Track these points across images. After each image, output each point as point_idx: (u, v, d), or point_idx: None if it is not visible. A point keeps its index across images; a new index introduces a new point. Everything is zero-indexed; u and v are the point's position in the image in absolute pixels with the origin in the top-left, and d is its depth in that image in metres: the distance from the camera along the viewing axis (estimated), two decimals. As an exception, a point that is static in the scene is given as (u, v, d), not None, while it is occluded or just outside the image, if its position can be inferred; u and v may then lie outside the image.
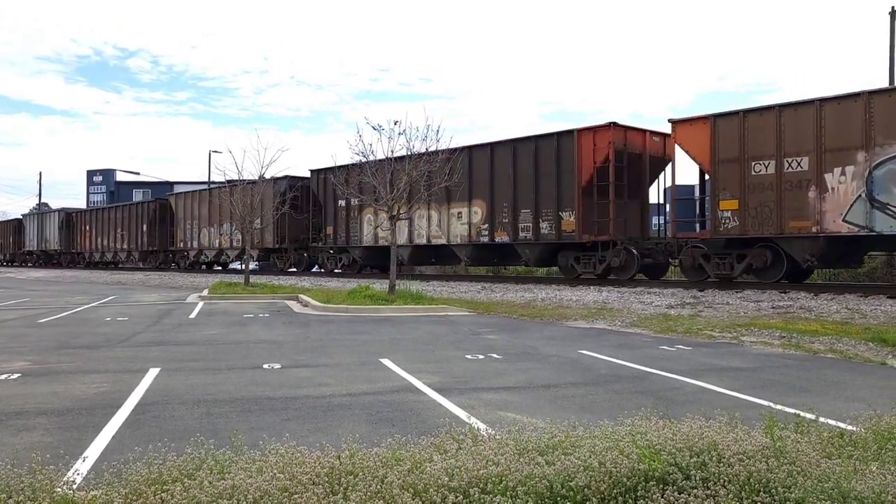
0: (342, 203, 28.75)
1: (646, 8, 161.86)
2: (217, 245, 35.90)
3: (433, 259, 28.26)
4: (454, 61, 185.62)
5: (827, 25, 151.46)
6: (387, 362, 8.34)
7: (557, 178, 21.28)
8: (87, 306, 17.10)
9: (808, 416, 4.61)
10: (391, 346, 9.92)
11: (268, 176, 25.07)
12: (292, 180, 31.04)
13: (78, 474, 3.80)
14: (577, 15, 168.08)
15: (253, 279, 24.79)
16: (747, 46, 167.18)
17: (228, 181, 28.86)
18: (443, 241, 24.96)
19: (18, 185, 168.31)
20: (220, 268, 38.94)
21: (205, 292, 20.94)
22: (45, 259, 55.25)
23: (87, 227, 48.75)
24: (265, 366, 8.16)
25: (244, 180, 25.50)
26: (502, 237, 23.02)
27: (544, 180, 21.69)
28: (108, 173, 74.66)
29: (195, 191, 33.55)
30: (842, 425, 4.76)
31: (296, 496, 3.08)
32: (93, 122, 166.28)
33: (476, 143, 24.19)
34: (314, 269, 32.99)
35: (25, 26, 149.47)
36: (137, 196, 63.40)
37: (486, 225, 23.41)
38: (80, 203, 79.70)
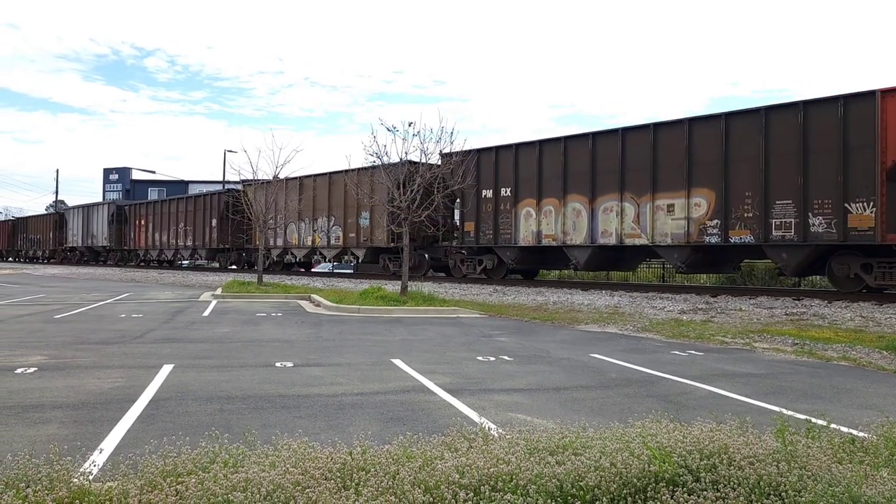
0: (487, 193, 23.32)
1: (659, 12, 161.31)
2: (309, 243, 30.62)
3: (623, 263, 21.96)
4: (467, 64, 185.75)
5: (840, 30, 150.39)
6: (398, 363, 8.38)
7: (842, 158, 15.54)
8: (101, 303, 17.26)
9: (820, 422, 4.60)
10: (403, 346, 9.96)
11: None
12: (414, 165, 26.08)
13: (94, 466, 3.86)
14: (591, 19, 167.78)
15: (267, 278, 24.89)
16: (760, 52, 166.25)
17: (347, 170, 26.28)
18: (643, 240, 19.16)
19: (36, 182, 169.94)
20: (301, 269, 34.54)
21: (218, 291, 21.07)
22: (91, 256, 50.92)
23: (142, 222, 43.92)
24: (277, 364, 8.21)
25: (361, 168, 23.79)
26: (742, 235, 17.30)
27: (818, 159, 16.02)
28: (123, 171, 75.25)
29: (285, 179, 26.46)
30: (853, 432, 4.75)
31: (308, 490, 3.12)
32: (109, 120, 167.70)
33: (698, 114, 20.22)
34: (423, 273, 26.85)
35: (45, 25, 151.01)
36: (153, 195, 63.14)
37: (716, 220, 17.67)
38: (95, 200, 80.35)
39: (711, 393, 6.90)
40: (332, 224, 29.31)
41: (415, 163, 22.16)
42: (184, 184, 65.72)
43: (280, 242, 32.41)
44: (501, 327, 12.78)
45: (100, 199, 73.68)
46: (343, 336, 11.15)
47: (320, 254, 30.74)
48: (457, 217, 25.28)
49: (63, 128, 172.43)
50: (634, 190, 19.33)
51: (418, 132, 18.12)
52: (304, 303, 17.97)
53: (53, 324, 12.39)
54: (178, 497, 3.08)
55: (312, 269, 34.79)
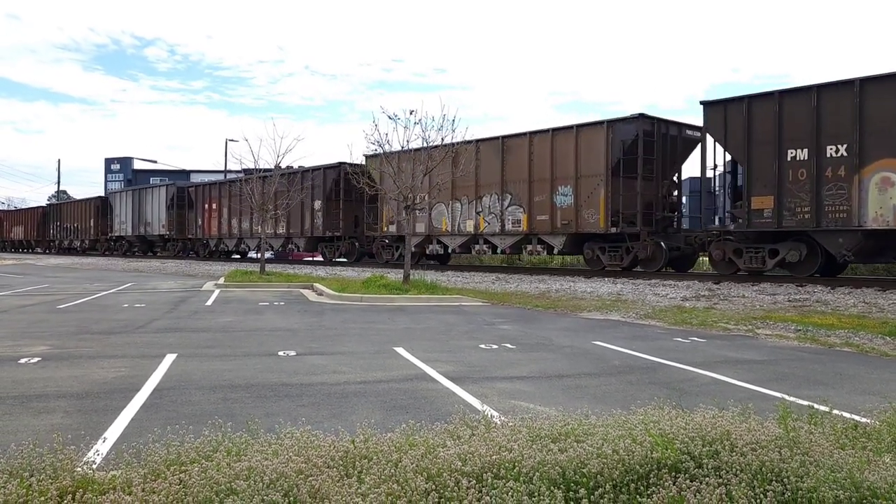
0: (800, 153, 16.05)
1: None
2: (469, 229, 23.67)
3: None
4: (468, 52, 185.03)
5: (842, 16, 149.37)
6: (401, 351, 8.39)
7: None
8: (105, 293, 17.29)
9: (822, 408, 4.60)
10: (405, 335, 9.97)
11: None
12: (650, 122, 19.71)
13: (98, 454, 3.87)
14: (592, 6, 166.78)
15: (270, 267, 24.88)
16: (761, 38, 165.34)
17: (536, 131, 21.52)
18: None
19: (37, 172, 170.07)
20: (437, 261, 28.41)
21: (221, 280, 21.10)
22: (143, 247, 44.46)
23: (213, 206, 36.75)
24: (280, 353, 8.23)
25: (560, 128, 20.17)
26: None
27: None
28: (125, 161, 75.24)
29: (438, 146, 19.06)
30: (856, 417, 4.75)
31: (311, 478, 3.12)
32: (109, 109, 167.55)
33: None
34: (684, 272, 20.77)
35: (45, 15, 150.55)
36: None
37: None
38: (97, 190, 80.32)
39: (714, 379, 6.90)
40: (507, 204, 22.64)
41: (650, 118, 19.18)
42: (185, 173, 65.71)
43: (422, 228, 25.33)
44: (504, 315, 12.78)
45: (101, 190, 73.38)
46: (346, 325, 11.16)
47: (486, 242, 23.77)
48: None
49: (64, 118, 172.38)
50: None
51: (420, 120, 17.91)
52: (306, 292, 17.99)
53: (57, 313, 12.42)
54: (181, 485, 3.08)
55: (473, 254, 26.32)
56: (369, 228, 28.15)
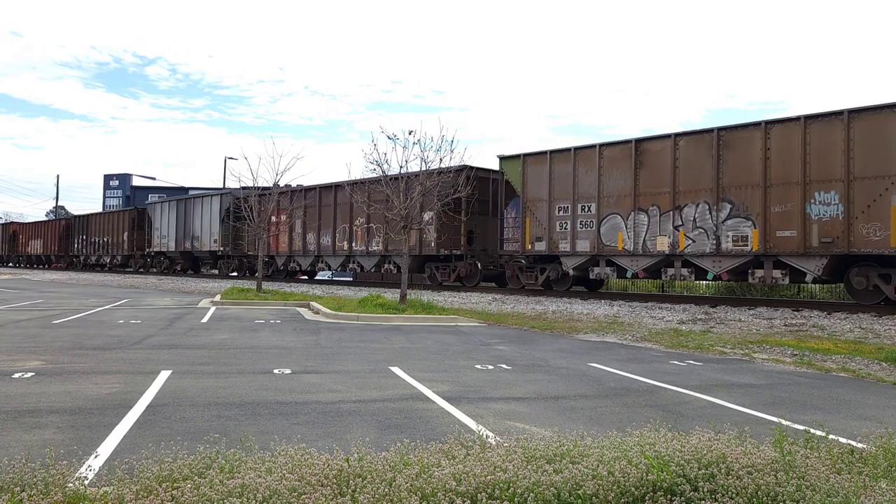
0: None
1: (657, 25, 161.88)
2: (663, 248, 18.48)
3: None
4: (466, 74, 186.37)
5: (837, 44, 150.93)
6: (397, 370, 8.36)
7: None
8: (100, 309, 17.23)
9: (819, 432, 4.59)
10: (401, 354, 9.94)
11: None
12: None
13: (90, 470, 3.85)
14: (589, 31, 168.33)
15: (266, 285, 24.83)
16: (757, 65, 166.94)
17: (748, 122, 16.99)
18: None
19: (36, 187, 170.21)
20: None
21: (217, 297, 21.05)
22: (188, 263, 39.35)
23: (282, 218, 31.23)
24: (276, 371, 8.19)
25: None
26: None
27: None
28: (124, 178, 75.38)
29: (617, 142, 18.75)
30: (852, 442, 4.74)
31: (304, 497, 3.11)
32: (110, 126, 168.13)
33: None
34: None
35: (48, 33, 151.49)
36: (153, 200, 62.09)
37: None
38: (95, 207, 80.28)
39: (710, 403, 6.88)
40: (724, 215, 17.62)
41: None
42: (184, 190, 65.80)
43: (585, 246, 20.38)
44: (500, 336, 12.76)
45: (100, 206, 73.17)
46: (341, 343, 11.13)
47: (686, 265, 18.55)
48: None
49: (64, 134, 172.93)
50: None
51: (418, 140, 17.79)
52: (302, 310, 17.95)
53: (51, 329, 12.37)
54: (173, 502, 3.06)
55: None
56: (509, 244, 22.75)
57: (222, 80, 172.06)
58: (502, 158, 22.55)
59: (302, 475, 3.36)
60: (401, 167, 18.31)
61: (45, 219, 64.75)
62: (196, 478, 3.35)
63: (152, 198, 67.79)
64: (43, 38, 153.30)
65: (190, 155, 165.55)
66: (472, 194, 21.90)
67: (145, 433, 5.15)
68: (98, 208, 73.02)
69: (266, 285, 25.84)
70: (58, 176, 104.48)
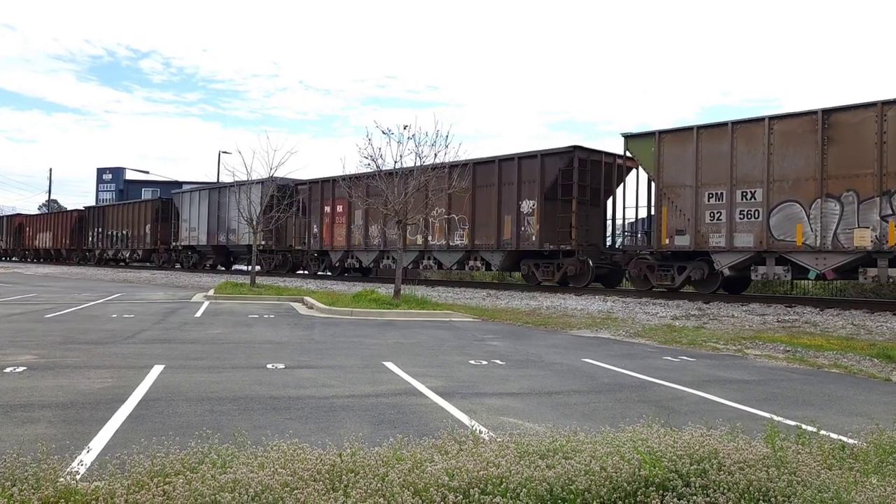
0: None
1: (652, 22, 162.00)
2: (864, 243, 14.90)
3: None
4: (461, 70, 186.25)
5: (831, 42, 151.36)
6: (390, 365, 8.36)
7: None
8: (93, 303, 17.18)
9: (810, 428, 4.60)
10: (395, 349, 9.93)
11: None
12: None
13: (81, 465, 3.83)
14: (584, 27, 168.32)
15: (259, 280, 24.76)
16: (752, 62, 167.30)
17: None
18: None
19: (29, 181, 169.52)
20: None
21: (210, 292, 21.00)
22: (222, 259, 35.85)
23: (338, 208, 27.86)
24: (269, 366, 8.18)
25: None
26: None
27: None
28: (117, 171, 74.96)
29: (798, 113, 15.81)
30: (844, 438, 4.76)
31: (297, 491, 3.10)
32: (103, 120, 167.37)
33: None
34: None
35: (41, 26, 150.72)
36: (146, 196, 58.86)
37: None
38: (88, 200, 79.85)
39: (703, 399, 6.90)
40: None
41: None
42: (178, 184, 65.52)
43: (748, 240, 16.76)
44: (494, 331, 12.77)
45: (93, 200, 72.62)
46: (335, 338, 11.12)
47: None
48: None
49: (57, 128, 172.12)
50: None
51: (413, 135, 17.70)
52: (296, 305, 17.93)
53: (44, 323, 12.32)
54: (165, 497, 3.05)
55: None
56: (659, 240, 18.67)
57: (217, 75, 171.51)
58: (628, 137, 19.33)
59: (294, 470, 3.35)
60: (395, 162, 18.25)
61: (55, 210, 60.39)
62: (188, 473, 3.34)
63: (145, 191, 67.40)
64: (37, 32, 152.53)
65: (184, 149, 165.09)
66: (584, 183, 20.06)
67: (137, 428, 5.13)
68: (91, 202, 72.60)
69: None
70: (50, 169, 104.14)
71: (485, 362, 8.89)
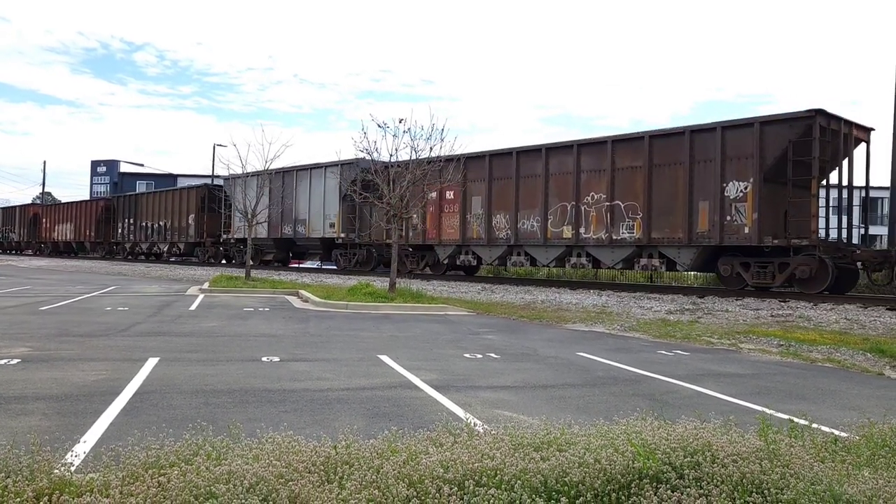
0: None
1: (647, 18, 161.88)
2: None
3: None
4: (456, 64, 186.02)
5: (825, 38, 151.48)
6: (385, 359, 8.36)
7: None
8: (88, 295, 17.13)
9: (803, 422, 4.63)
10: (390, 342, 9.94)
11: None
12: None
13: (76, 457, 3.83)
14: (580, 23, 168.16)
15: (254, 273, 24.68)
16: (745, 58, 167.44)
17: None
18: None
19: (23, 173, 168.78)
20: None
21: (205, 285, 20.96)
22: (282, 254, 31.96)
23: (446, 195, 23.82)
24: (264, 359, 8.18)
25: None
26: None
27: None
28: (111, 164, 74.75)
29: None
30: (836, 432, 4.78)
31: (291, 483, 3.10)
32: (97, 113, 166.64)
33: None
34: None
35: (35, 18, 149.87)
36: (141, 189, 57.45)
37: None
38: (82, 193, 79.45)
39: (697, 392, 6.93)
40: None
41: None
42: (172, 177, 65.35)
43: None
44: (489, 325, 12.78)
45: (87, 193, 72.09)
46: (330, 332, 11.11)
47: None
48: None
49: (51, 120, 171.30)
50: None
51: (409, 129, 17.62)
52: (292, 298, 17.91)
53: (38, 315, 12.29)
54: (159, 489, 3.05)
55: None
56: None
57: (211, 68, 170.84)
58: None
59: (289, 462, 3.36)
60: (391, 156, 18.14)
61: (78, 199, 54.56)
62: (183, 464, 3.34)
63: (140, 184, 67.04)
64: (30, 24, 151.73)
65: (179, 142, 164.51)
66: (823, 154, 16.20)
67: (132, 420, 5.13)
68: (85, 195, 72.32)
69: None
70: (44, 162, 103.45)
71: (480, 356, 8.90)
